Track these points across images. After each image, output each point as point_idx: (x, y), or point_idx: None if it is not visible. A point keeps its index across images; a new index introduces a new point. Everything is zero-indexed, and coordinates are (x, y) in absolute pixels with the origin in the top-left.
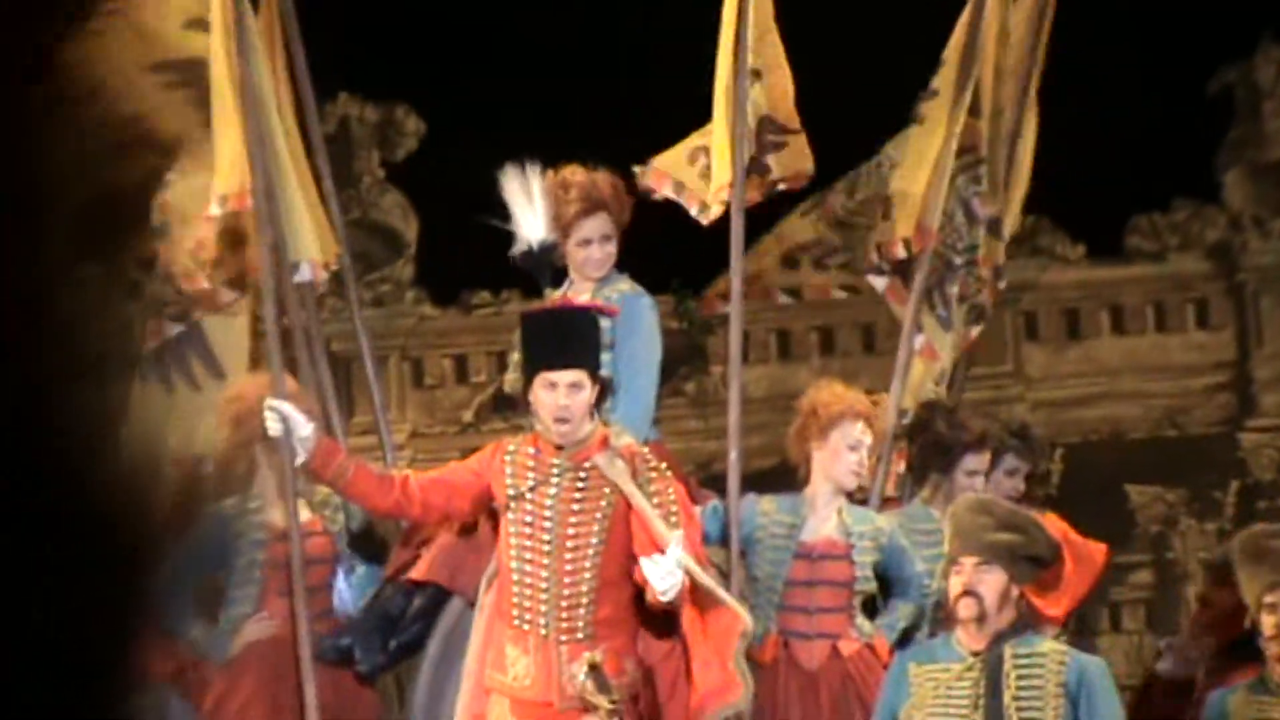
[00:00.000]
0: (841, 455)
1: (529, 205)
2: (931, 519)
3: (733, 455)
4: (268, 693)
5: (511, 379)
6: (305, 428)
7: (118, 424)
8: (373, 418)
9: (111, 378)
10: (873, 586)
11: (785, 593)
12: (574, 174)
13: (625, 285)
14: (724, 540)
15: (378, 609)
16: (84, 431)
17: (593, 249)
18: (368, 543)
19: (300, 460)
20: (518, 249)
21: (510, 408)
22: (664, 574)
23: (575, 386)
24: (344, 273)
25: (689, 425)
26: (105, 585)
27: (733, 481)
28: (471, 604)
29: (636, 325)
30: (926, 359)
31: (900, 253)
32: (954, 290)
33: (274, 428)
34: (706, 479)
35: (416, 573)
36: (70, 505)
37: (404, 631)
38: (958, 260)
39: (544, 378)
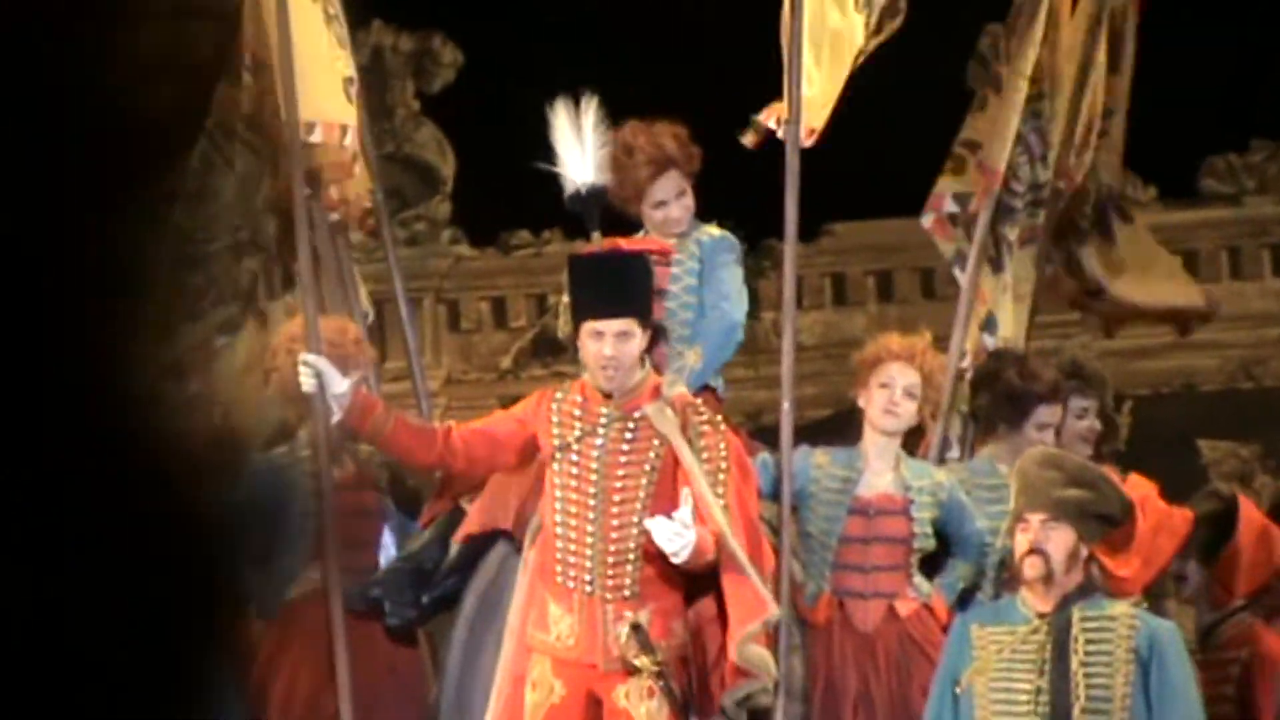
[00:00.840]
0: (878, 394)
1: (576, 144)
2: (997, 474)
3: (785, 405)
4: (319, 650)
5: (563, 323)
6: (340, 384)
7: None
8: (406, 363)
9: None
10: (931, 543)
11: (840, 550)
12: (635, 135)
13: (717, 231)
14: (776, 495)
15: (411, 560)
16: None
17: (670, 209)
18: (402, 495)
19: (336, 418)
20: (565, 192)
21: (551, 353)
22: (672, 534)
23: (623, 336)
24: (377, 210)
25: (738, 374)
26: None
27: (785, 433)
28: (518, 550)
29: (727, 258)
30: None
31: (949, 206)
32: (1012, 233)
33: (308, 383)
34: (756, 431)
35: (468, 527)
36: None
37: (438, 586)
38: (1017, 203)
39: (590, 326)
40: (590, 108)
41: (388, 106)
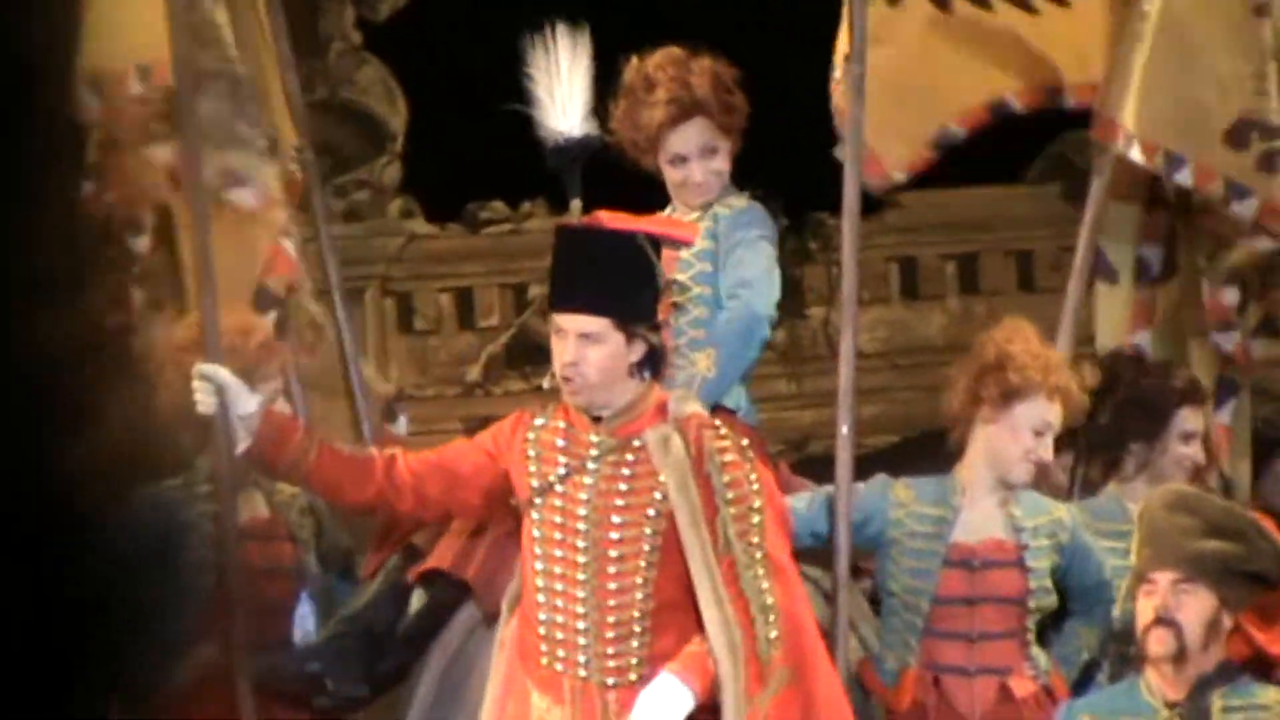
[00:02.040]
0: (1021, 438)
1: (557, 84)
2: (1127, 516)
3: (843, 430)
4: None
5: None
6: (248, 402)
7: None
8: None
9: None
10: (1053, 601)
11: (934, 613)
12: (661, 66)
13: (738, 200)
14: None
15: (358, 622)
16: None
17: (691, 169)
18: (329, 550)
19: (243, 447)
20: (544, 144)
21: (533, 361)
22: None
23: (588, 338)
24: (306, 174)
25: (778, 388)
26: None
27: (843, 466)
28: (488, 618)
29: (750, 234)
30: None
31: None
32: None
33: (205, 402)
34: (801, 463)
35: (435, 562)
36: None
37: (394, 653)
38: None
39: (554, 320)
40: (579, 40)
41: (320, 39)
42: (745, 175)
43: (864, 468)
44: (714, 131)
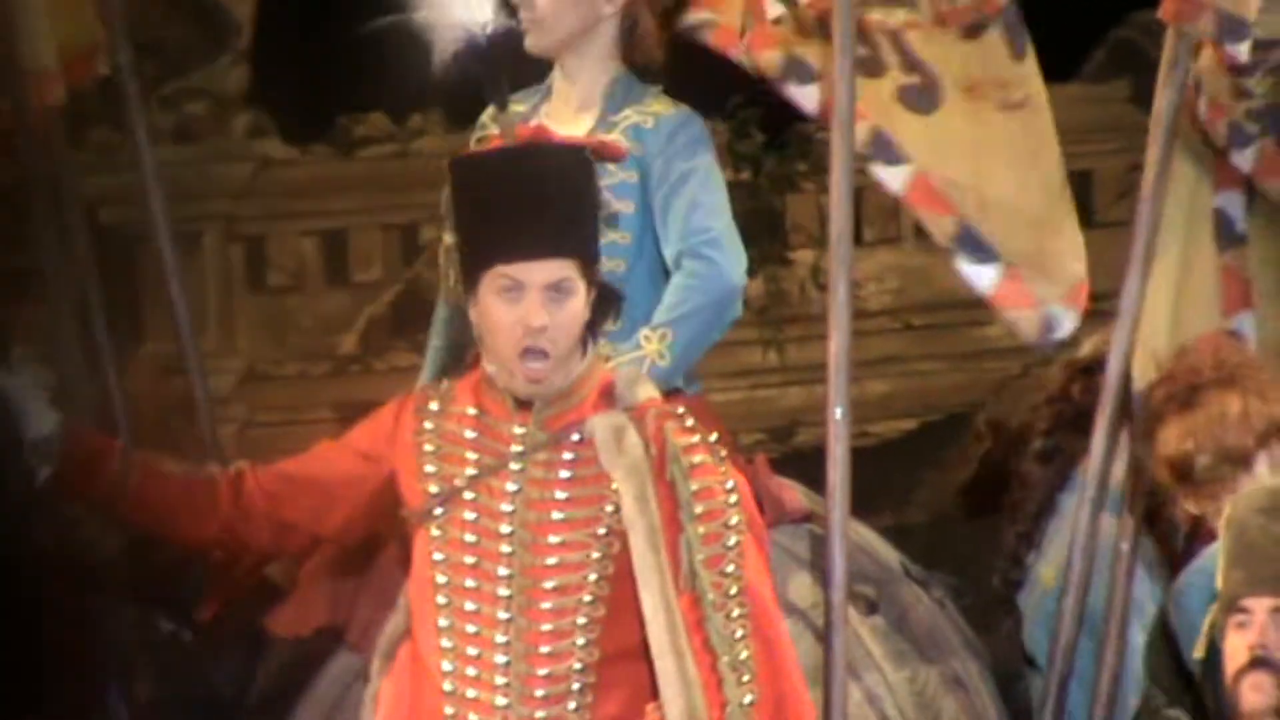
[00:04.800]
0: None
1: None
2: None
3: (836, 414)
4: None
5: (446, 276)
6: (44, 419)
7: None
8: (173, 347)
9: None
10: None
11: None
12: None
13: (660, 105)
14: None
15: (195, 682)
16: None
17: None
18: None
19: (43, 475)
20: (439, 47)
21: (428, 327)
22: None
23: (558, 291)
24: (120, 79)
25: (753, 359)
26: None
27: (836, 463)
28: (361, 677)
29: (696, 154)
30: None
31: None
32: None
33: None
34: (787, 457)
35: (283, 624)
36: None
37: None
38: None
39: (498, 276)
40: None
41: None
42: (706, 81)
43: (871, 462)
44: None
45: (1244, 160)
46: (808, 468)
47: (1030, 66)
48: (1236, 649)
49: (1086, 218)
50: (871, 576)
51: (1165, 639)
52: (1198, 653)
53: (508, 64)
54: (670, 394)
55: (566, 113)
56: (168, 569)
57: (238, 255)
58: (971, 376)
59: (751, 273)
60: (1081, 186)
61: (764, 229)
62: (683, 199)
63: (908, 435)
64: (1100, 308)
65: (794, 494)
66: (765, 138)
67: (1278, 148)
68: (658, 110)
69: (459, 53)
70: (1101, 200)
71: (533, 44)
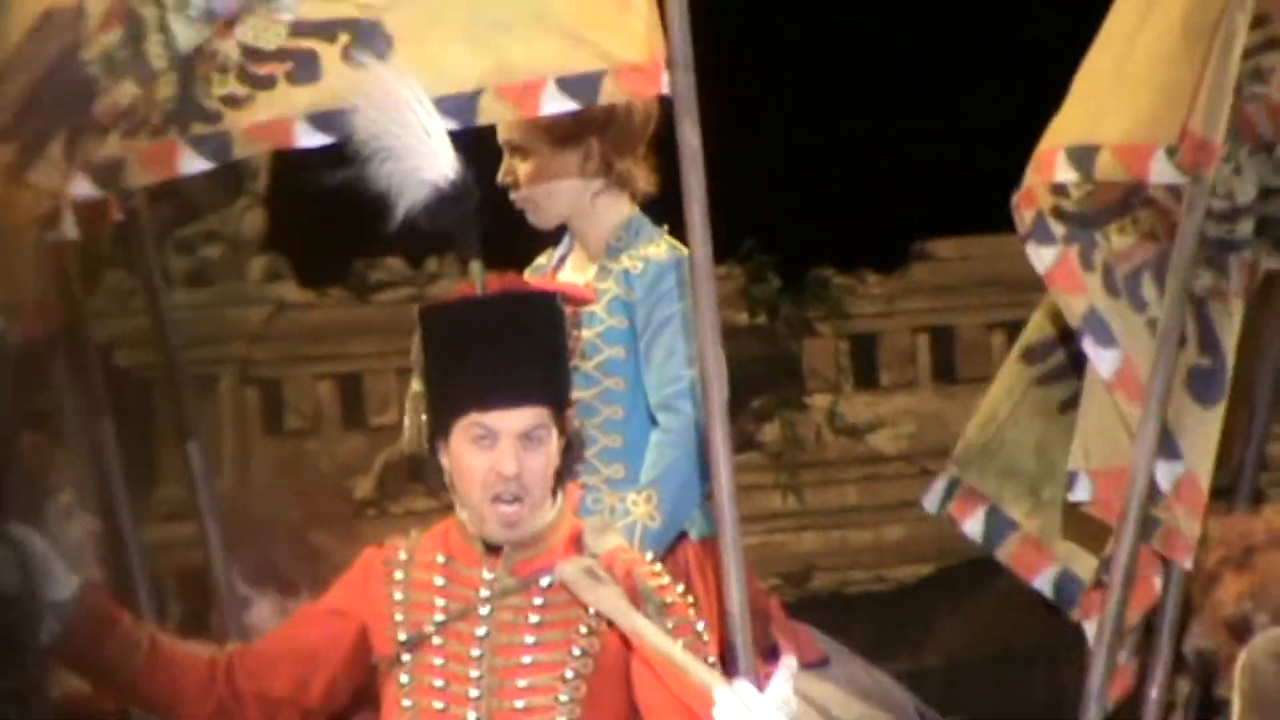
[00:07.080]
0: None
1: (425, 115)
2: None
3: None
4: None
5: (411, 428)
6: (64, 584)
7: None
8: (184, 491)
9: None
10: None
11: None
12: None
13: (654, 249)
14: None
15: None
16: None
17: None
18: None
19: (48, 638)
20: (420, 195)
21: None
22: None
23: (531, 439)
24: (135, 223)
25: (770, 503)
26: None
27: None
28: None
29: (680, 289)
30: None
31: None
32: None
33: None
34: (801, 602)
35: None
36: None
37: None
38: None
39: (471, 425)
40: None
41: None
42: (719, 223)
43: (888, 607)
44: (525, 128)
45: (1040, 260)
46: (824, 613)
47: None
48: None
49: None
50: None
51: None
52: None
53: (475, 217)
54: (679, 540)
55: (582, 261)
56: None
57: (254, 399)
58: None
59: (767, 417)
60: None
61: (780, 374)
62: (661, 346)
63: (924, 580)
64: None
65: (810, 637)
66: (781, 282)
67: (1080, 259)
68: (649, 254)
69: (427, 206)
70: None
71: (533, 222)
